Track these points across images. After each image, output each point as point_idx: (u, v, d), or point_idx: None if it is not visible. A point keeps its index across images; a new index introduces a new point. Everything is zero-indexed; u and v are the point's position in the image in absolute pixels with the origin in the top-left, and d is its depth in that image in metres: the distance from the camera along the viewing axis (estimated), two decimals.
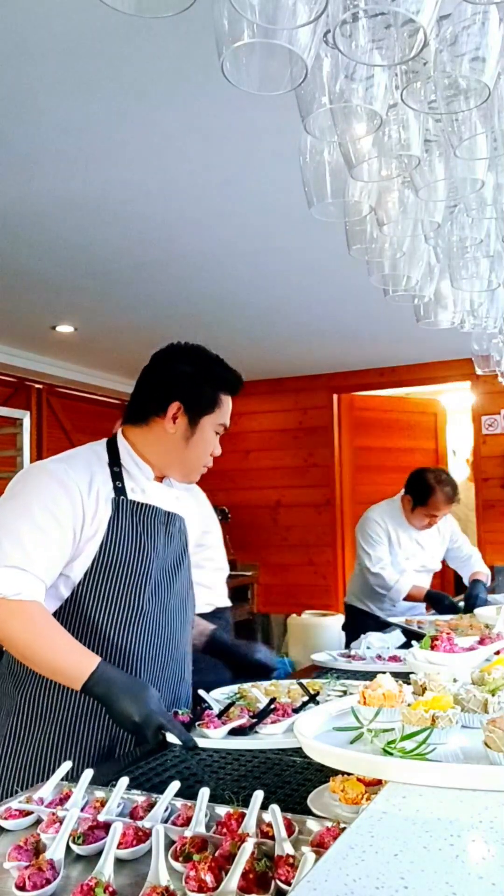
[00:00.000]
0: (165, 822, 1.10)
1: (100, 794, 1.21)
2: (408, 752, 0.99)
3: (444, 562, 3.93)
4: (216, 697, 1.73)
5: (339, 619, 5.22)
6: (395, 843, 0.79)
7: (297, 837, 1.01)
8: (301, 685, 1.76)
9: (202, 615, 1.96)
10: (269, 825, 1.02)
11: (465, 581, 3.78)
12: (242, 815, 1.06)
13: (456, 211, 1.61)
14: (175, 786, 1.17)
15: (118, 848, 1.00)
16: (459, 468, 7.27)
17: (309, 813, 1.10)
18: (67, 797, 1.19)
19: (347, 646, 3.27)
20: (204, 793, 1.13)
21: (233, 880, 0.88)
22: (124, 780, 1.21)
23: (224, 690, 1.79)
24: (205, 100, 2.32)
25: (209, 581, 2.01)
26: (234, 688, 1.80)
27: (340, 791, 1.10)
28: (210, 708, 1.61)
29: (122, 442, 1.71)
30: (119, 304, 4.55)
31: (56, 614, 1.55)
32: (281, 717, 1.52)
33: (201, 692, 1.73)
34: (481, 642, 1.79)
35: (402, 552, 3.66)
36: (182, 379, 1.70)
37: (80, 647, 1.49)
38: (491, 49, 0.99)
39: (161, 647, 1.68)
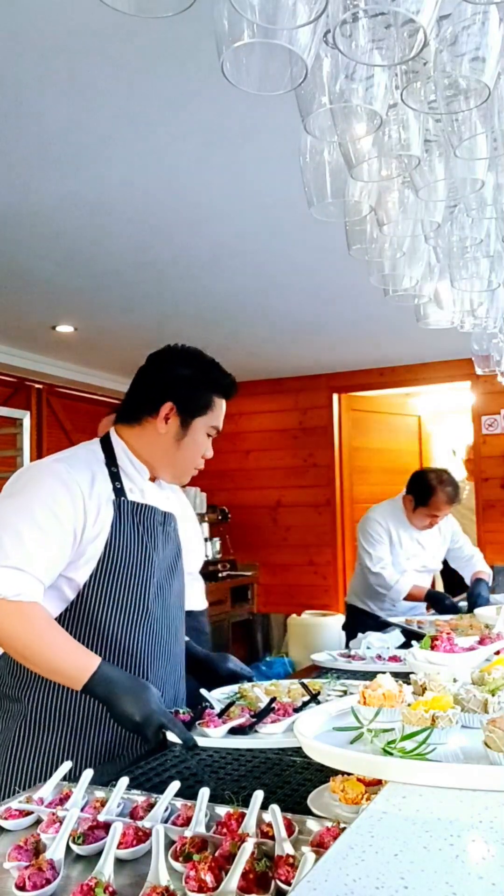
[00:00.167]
0: (165, 822, 1.10)
1: (100, 794, 1.21)
2: (408, 752, 0.99)
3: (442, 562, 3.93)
4: (217, 697, 1.73)
5: (339, 619, 5.22)
6: (395, 843, 0.79)
7: (297, 837, 1.01)
8: (303, 685, 1.76)
9: None
10: (269, 825, 1.02)
11: (467, 581, 3.78)
12: (242, 815, 1.06)
13: (456, 211, 1.61)
14: (175, 786, 1.17)
15: (118, 848, 1.00)
16: (458, 469, 7.29)
17: (309, 813, 1.10)
18: (67, 797, 1.19)
19: (348, 646, 3.27)
20: (204, 793, 1.13)
21: (233, 880, 0.88)
22: (124, 780, 1.21)
23: (225, 690, 1.79)
24: (205, 100, 2.32)
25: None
26: (235, 687, 1.80)
27: (340, 791, 1.10)
28: (211, 707, 1.61)
29: (117, 442, 1.71)
30: (119, 304, 4.55)
31: (62, 616, 1.55)
32: (281, 717, 1.52)
33: (203, 691, 1.73)
34: (481, 642, 1.79)
35: (404, 552, 3.66)
36: (176, 380, 1.70)
37: (80, 648, 1.49)
38: (491, 49, 0.99)
39: (165, 646, 1.68)
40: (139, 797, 1.19)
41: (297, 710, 1.55)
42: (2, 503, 1.54)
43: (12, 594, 1.42)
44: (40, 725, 1.56)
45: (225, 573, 6.53)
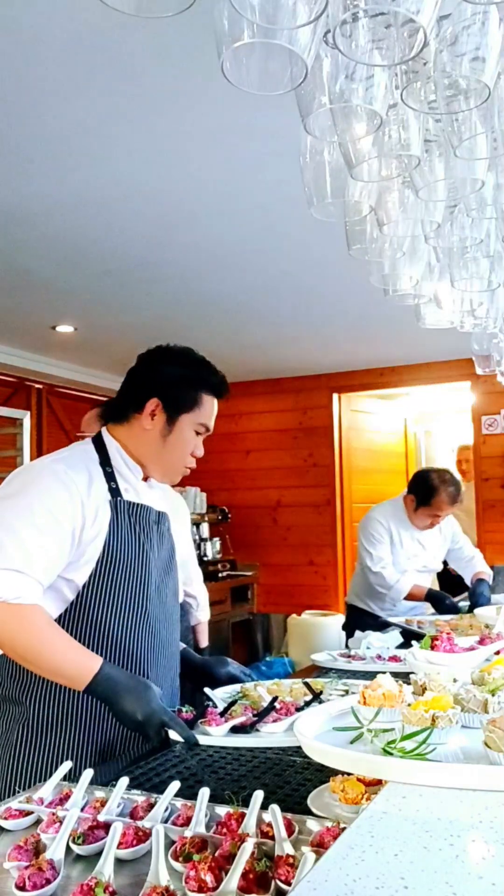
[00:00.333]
0: (165, 822, 1.10)
1: (100, 794, 1.21)
2: (408, 752, 0.99)
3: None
4: (219, 696, 1.73)
5: (339, 619, 5.22)
6: (395, 843, 0.79)
7: (297, 837, 1.01)
8: (306, 684, 1.76)
9: None
10: (269, 825, 1.02)
11: (468, 582, 3.79)
12: (242, 815, 1.06)
13: (456, 211, 1.61)
14: (175, 786, 1.17)
15: (118, 848, 1.00)
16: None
17: (309, 813, 1.10)
18: (67, 797, 1.19)
19: (347, 645, 3.27)
20: (204, 793, 1.13)
21: (233, 880, 0.88)
22: (124, 780, 1.21)
23: (227, 689, 1.79)
24: (205, 99, 2.32)
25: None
26: (237, 687, 1.81)
27: (340, 791, 1.10)
28: (214, 705, 1.62)
29: (110, 441, 1.71)
30: (119, 304, 4.55)
31: (61, 617, 1.55)
32: (283, 716, 1.52)
33: (207, 690, 1.74)
34: (481, 642, 1.79)
35: (405, 552, 3.66)
36: (162, 377, 1.70)
37: (81, 649, 1.49)
38: (491, 49, 0.99)
39: (162, 645, 1.69)
40: (139, 797, 1.19)
41: (299, 710, 1.55)
42: (1, 504, 1.54)
43: (12, 597, 1.42)
44: (41, 727, 1.56)
45: (225, 573, 6.53)
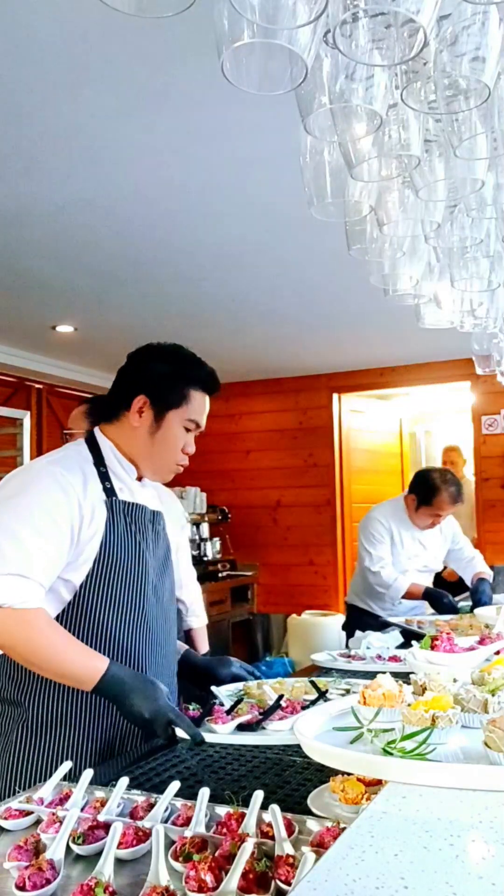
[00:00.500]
0: (165, 822, 1.10)
1: (100, 794, 1.21)
2: (408, 752, 0.99)
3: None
4: (222, 695, 1.74)
5: (339, 619, 5.22)
6: (395, 843, 0.79)
7: (297, 837, 1.01)
8: (313, 683, 1.77)
9: None
10: (269, 825, 1.02)
11: (468, 582, 3.79)
12: (242, 815, 1.06)
13: (456, 211, 1.61)
14: (175, 786, 1.17)
15: (118, 848, 1.00)
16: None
17: (309, 813, 1.10)
18: (67, 797, 1.19)
19: (348, 645, 3.27)
20: (204, 793, 1.13)
21: (233, 880, 0.88)
22: (124, 780, 1.21)
23: (229, 688, 1.80)
24: (205, 100, 2.32)
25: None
26: (240, 685, 1.81)
27: (340, 791, 1.10)
28: (221, 703, 1.62)
29: (103, 441, 1.70)
30: (119, 304, 4.55)
31: (58, 618, 1.55)
32: (289, 714, 1.53)
33: (214, 688, 1.75)
34: (481, 642, 1.79)
35: (405, 552, 3.66)
36: (150, 374, 1.69)
37: (87, 650, 1.50)
38: (491, 49, 0.99)
39: (160, 644, 1.69)
40: (139, 797, 1.19)
41: (304, 709, 1.55)
42: (1, 507, 1.54)
43: (18, 602, 1.42)
44: (40, 727, 1.56)
45: (225, 573, 6.54)
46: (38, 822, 1.14)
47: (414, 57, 0.93)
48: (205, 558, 6.35)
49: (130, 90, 2.28)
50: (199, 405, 1.72)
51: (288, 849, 0.96)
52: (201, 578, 6.14)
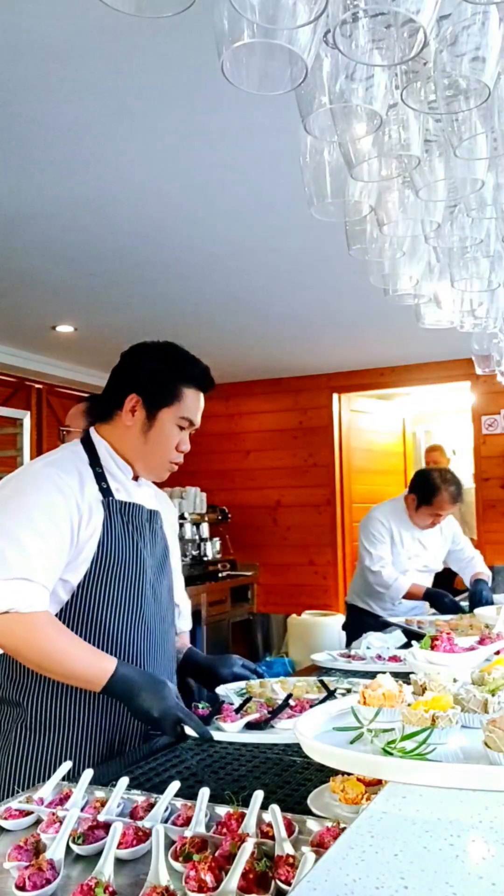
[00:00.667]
0: (165, 822, 1.10)
1: (100, 794, 1.21)
2: (408, 752, 0.99)
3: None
4: (222, 694, 1.74)
5: (339, 619, 5.22)
6: (395, 843, 0.79)
7: (297, 837, 1.01)
8: (322, 682, 1.78)
9: None
10: (269, 825, 1.02)
11: (467, 583, 3.79)
12: (242, 815, 1.06)
13: (456, 211, 1.61)
14: (175, 786, 1.17)
15: (118, 848, 1.00)
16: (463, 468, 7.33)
17: (309, 813, 1.10)
18: (67, 797, 1.19)
19: (348, 645, 3.27)
20: (204, 793, 1.13)
21: (233, 880, 0.88)
22: (124, 780, 1.21)
23: (232, 686, 1.80)
24: (205, 100, 2.32)
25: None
26: (242, 684, 1.81)
27: (340, 791, 1.10)
28: (230, 702, 1.63)
29: (99, 442, 1.70)
30: (119, 304, 4.55)
31: (57, 618, 1.55)
32: (297, 713, 1.53)
33: (218, 690, 1.76)
34: (481, 642, 1.78)
35: (405, 552, 3.66)
36: (142, 372, 1.69)
37: (95, 651, 1.50)
38: (491, 49, 0.99)
39: (158, 643, 1.69)
40: (139, 797, 1.19)
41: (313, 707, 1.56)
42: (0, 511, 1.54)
43: (24, 606, 1.42)
44: (40, 728, 1.56)
45: (225, 573, 6.54)
46: (38, 822, 1.14)
47: (414, 57, 0.93)
48: (205, 558, 6.35)
49: (130, 90, 2.28)
50: (193, 403, 1.70)
51: (288, 849, 0.96)
52: (201, 578, 6.16)
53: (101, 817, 1.10)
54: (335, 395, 6.69)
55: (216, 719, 1.53)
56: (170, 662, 1.76)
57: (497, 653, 1.71)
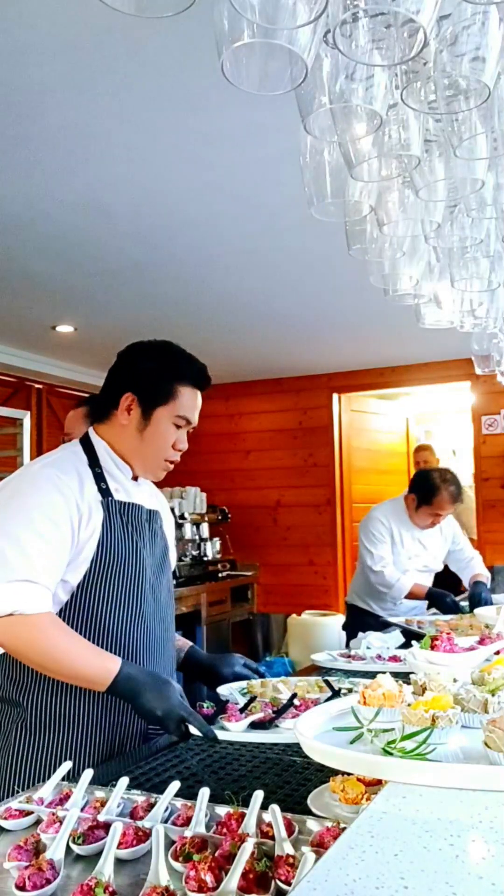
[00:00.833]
0: (165, 822, 1.10)
1: (100, 794, 1.21)
2: (408, 752, 0.99)
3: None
4: (223, 693, 1.75)
5: (339, 619, 5.22)
6: (395, 843, 0.79)
7: (297, 837, 1.01)
8: (326, 682, 1.79)
9: None
10: (269, 825, 1.02)
11: (466, 583, 3.79)
12: (242, 815, 1.06)
13: (456, 211, 1.61)
14: (175, 786, 1.17)
15: (118, 848, 1.00)
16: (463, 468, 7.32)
17: (309, 813, 1.10)
18: (67, 797, 1.19)
19: (348, 645, 3.27)
20: (204, 793, 1.13)
21: (233, 880, 0.88)
22: (124, 780, 1.21)
23: (233, 686, 1.80)
24: (205, 100, 2.32)
25: None
26: (243, 684, 1.81)
27: (340, 791, 1.10)
28: (235, 702, 1.64)
29: (98, 442, 1.70)
30: (119, 304, 4.55)
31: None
32: (302, 713, 1.53)
33: (219, 689, 1.76)
34: (481, 642, 1.78)
35: (405, 552, 3.67)
36: (137, 371, 1.69)
37: (99, 652, 1.50)
38: (491, 49, 0.99)
39: (158, 643, 1.69)
40: (139, 797, 1.19)
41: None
42: (0, 513, 1.54)
43: (28, 608, 1.42)
44: (40, 727, 1.56)
45: (225, 573, 6.53)
46: (38, 822, 1.14)
47: (414, 57, 0.93)
48: (205, 558, 6.35)
49: (130, 91, 2.28)
50: (189, 401, 1.70)
51: (288, 849, 0.96)
52: (201, 578, 6.16)
53: (101, 817, 1.10)
54: (335, 395, 6.69)
55: (220, 719, 1.53)
56: (170, 662, 1.76)
57: (497, 653, 1.71)
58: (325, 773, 1.20)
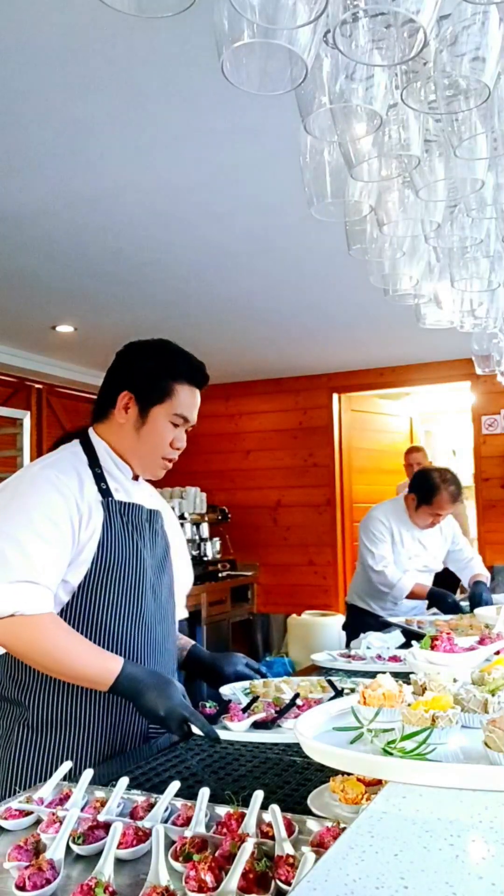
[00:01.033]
0: (165, 822, 1.10)
1: (100, 794, 1.21)
2: (408, 752, 0.99)
3: None
4: (225, 693, 1.75)
5: (339, 619, 5.22)
6: (395, 843, 0.79)
7: (297, 837, 1.01)
8: (329, 682, 1.79)
9: None
10: (269, 825, 1.02)
11: (466, 584, 3.79)
12: (242, 815, 1.06)
13: (456, 211, 1.61)
14: (175, 786, 1.17)
15: (118, 848, 1.00)
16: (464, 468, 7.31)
17: (309, 813, 1.10)
18: (67, 797, 1.19)
19: (348, 645, 3.27)
20: (204, 793, 1.13)
21: (233, 880, 0.88)
22: (124, 780, 1.21)
23: (236, 686, 1.80)
24: (205, 100, 2.32)
25: None
26: (247, 684, 1.81)
27: (340, 791, 1.10)
28: (238, 702, 1.64)
29: (98, 442, 1.70)
30: (119, 304, 4.55)
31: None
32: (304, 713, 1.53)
33: (222, 689, 1.76)
34: (481, 642, 1.78)
35: (406, 551, 3.67)
36: (134, 369, 1.69)
37: (101, 652, 1.50)
38: (491, 49, 0.99)
39: (158, 643, 1.69)
40: (139, 797, 1.19)
41: None
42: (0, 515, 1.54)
43: (29, 609, 1.42)
44: (41, 727, 1.56)
45: (225, 573, 6.53)
46: (38, 822, 1.14)
47: (414, 57, 0.93)
48: (205, 558, 6.35)
49: (130, 90, 2.28)
50: (186, 400, 1.69)
51: (288, 849, 0.96)
52: (201, 578, 6.16)
53: (101, 817, 1.10)
54: (335, 395, 6.69)
55: (223, 718, 1.53)
56: (171, 661, 1.76)
57: (497, 653, 1.71)
58: (325, 773, 1.20)
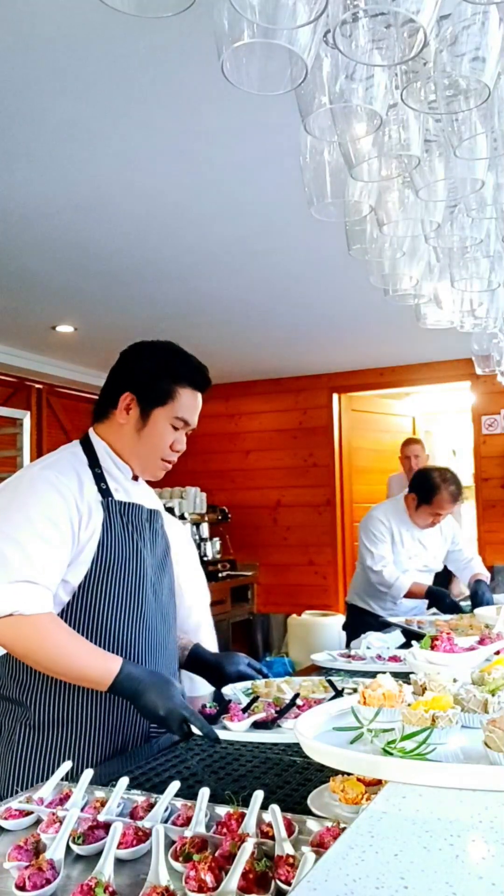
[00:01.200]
0: (165, 822, 1.10)
1: (100, 794, 1.21)
2: (408, 752, 0.99)
3: None
4: (227, 694, 1.75)
5: (339, 619, 5.22)
6: (395, 843, 0.79)
7: (297, 837, 1.01)
8: (330, 682, 1.79)
9: None
10: (269, 825, 1.02)
11: (466, 584, 3.79)
12: (242, 815, 1.06)
13: (456, 211, 1.61)
14: (175, 786, 1.17)
15: (118, 848, 1.00)
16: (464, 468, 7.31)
17: (309, 813, 1.10)
18: (67, 797, 1.19)
19: (348, 645, 3.27)
20: (204, 793, 1.13)
21: (233, 880, 0.88)
22: (124, 780, 1.21)
23: (237, 686, 1.80)
24: (204, 100, 2.32)
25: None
26: (248, 684, 1.81)
27: (340, 791, 1.10)
28: (238, 702, 1.64)
29: (98, 442, 1.70)
30: (119, 304, 4.55)
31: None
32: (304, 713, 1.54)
33: (224, 690, 1.77)
34: (481, 642, 1.78)
35: (405, 551, 3.67)
36: (136, 371, 1.69)
37: (100, 652, 1.50)
38: (491, 49, 0.99)
39: (159, 643, 1.69)
40: (139, 797, 1.19)
41: None
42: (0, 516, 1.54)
43: (29, 609, 1.42)
44: (41, 727, 1.56)
45: (225, 573, 6.53)
46: (38, 822, 1.14)
47: (414, 57, 0.93)
48: (205, 558, 6.35)
49: (130, 91, 2.28)
50: (188, 403, 1.69)
51: (288, 849, 0.96)
52: None
53: (101, 817, 1.10)
54: (335, 395, 6.69)
55: (223, 718, 1.53)
56: (172, 661, 1.76)
57: (497, 653, 1.71)
58: (325, 773, 1.20)
